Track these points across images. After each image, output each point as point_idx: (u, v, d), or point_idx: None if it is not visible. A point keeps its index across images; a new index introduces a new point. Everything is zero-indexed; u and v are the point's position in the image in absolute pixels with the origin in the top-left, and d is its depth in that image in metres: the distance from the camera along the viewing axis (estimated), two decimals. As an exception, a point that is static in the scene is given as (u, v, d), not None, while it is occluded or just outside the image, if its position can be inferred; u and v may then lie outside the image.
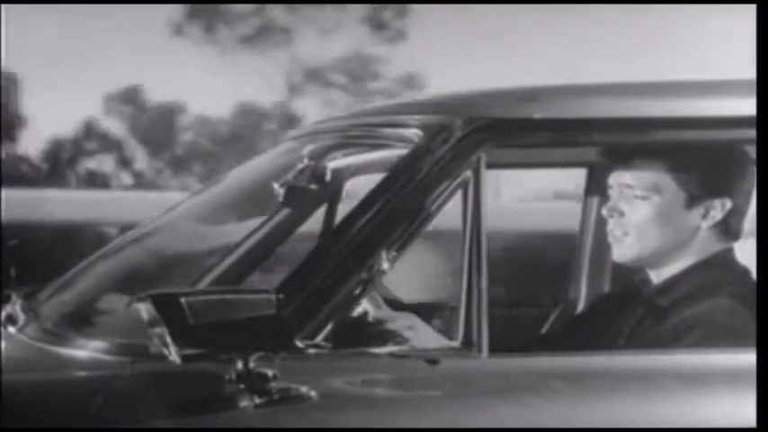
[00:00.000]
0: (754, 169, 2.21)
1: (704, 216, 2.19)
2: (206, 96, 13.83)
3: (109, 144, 14.61)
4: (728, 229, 2.21)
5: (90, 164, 14.44)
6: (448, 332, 2.13)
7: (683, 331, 2.09)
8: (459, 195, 1.99)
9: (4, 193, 6.26)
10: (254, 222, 2.64)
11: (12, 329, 2.17)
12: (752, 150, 2.14)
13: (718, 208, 2.19)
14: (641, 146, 2.18)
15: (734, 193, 2.20)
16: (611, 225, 2.23)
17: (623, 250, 2.22)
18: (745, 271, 2.20)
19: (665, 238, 2.19)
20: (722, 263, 2.20)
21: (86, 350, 1.97)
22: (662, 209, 2.18)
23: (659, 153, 2.18)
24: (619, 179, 2.22)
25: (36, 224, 6.73)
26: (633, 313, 2.24)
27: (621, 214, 2.21)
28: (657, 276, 2.25)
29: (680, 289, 2.18)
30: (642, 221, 2.19)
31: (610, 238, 2.25)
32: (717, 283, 2.16)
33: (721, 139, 2.15)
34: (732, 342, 2.03)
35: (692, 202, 2.19)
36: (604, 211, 2.26)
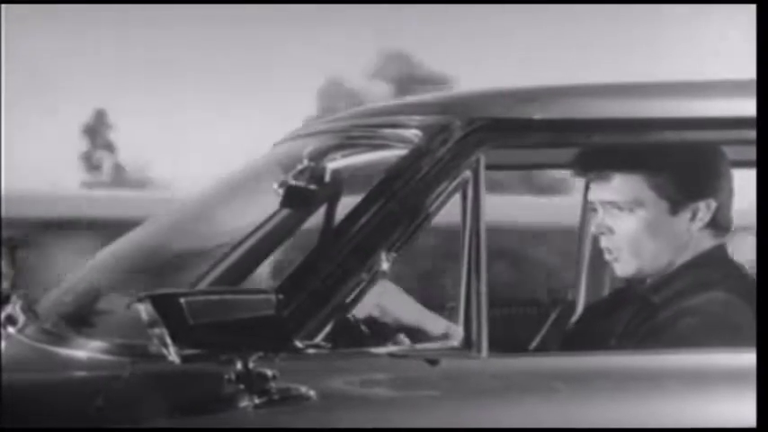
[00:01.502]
0: (730, 166, 2.21)
1: (692, 219, 2.19)
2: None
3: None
4: (718, 225, 2.21)
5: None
6: (448, 332, 2.14)
7: (676, 320, 2.09)
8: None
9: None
10: (254, 223, 2.64)
11: (12, 330, 2.17)
12: (750, 150, 2.14)
13: (704, 209, 2.19)
14: (611, 156, 2.18)
15: (716, 192, 2.20)
16: (604, 243, 2.23)
17: (623, 267, 2.22)
18: (738, 266, 2.21)
19: (660, 247, 2.19)
20: (715, 259, 2.21)
21: (86, 350, 1.97)
22: (648, 220, 2.18)
23: (631, 163, 2.18)
24: (599, 196, 2.22)
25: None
26: (627, 311, 2.24)
27: (611, 231, 2.21)
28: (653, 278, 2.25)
29: (673, 286, 2.18)
30: (632, 236, 2.19)
31: (606, 256, 2.25)
32: (710, 278, 2.16)
33: (722, 140, 2.15)
34: (729, 334, 2.03)
35: (675, 208, 2.18)
36: (594, 230, 2.26)
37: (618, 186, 2.19)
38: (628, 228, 2.19)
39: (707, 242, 2.21)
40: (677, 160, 2.18)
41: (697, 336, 2.04)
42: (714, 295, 2.12)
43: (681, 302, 2.13)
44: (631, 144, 2.14)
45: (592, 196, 2.25)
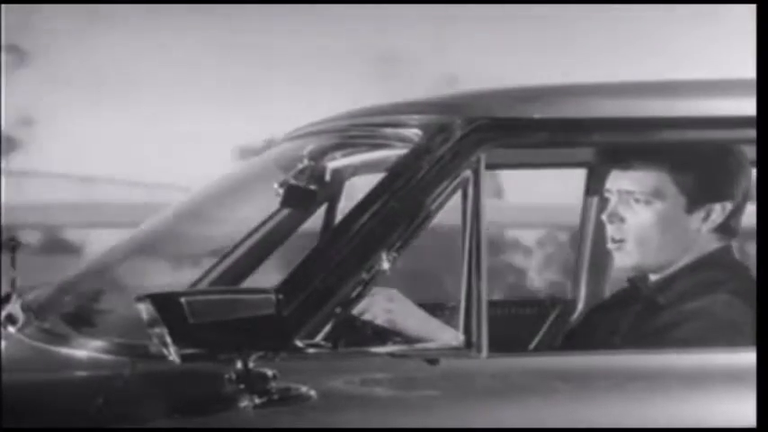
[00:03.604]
0: (751, 169, 2.21)
1: (705, 219, 2.18)
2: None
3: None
4: (728, 228, 2.20)
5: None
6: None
7: (680, 323, 2.09)
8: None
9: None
10: (254, 222, 2.64)
11: (12, 329, 2.17)
12: (750, 150, 2.14)
13: (719, 211, 2.18)
14: (641, 148, 2.17)
15: (734, 195, 2.19)
16: (611, 231, 2.22)
17: (625, 257, 2.21)
18: (744, 268, 2.20)
19: (666, 242, 2.19)
20: (720, 260, 2.20)
21: (86, 350, 1.97)
22: (663, 214, 2.17)
23: (659, 156, 2.17)
24: (618, 184, 2.21)
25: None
26: (631, 311, 2.24)
27: (622, 220, 2.20)
28: (657, 277, 2.24)
29: (678, 286, 2.18)
30: (643, 227, 2.18)
31: (609, 245, 2.24)
32: (715, 280, 2.16)
33: (721, 140, 2.15)
34: (730, 336, 2.03)
35: (692, 206, 2.18)
36: (604, 217, 2.25)
37: (641, 176, 2.18)
38: (640, 219, 2.18)
39: (713, 244, 2.20)
40: (705, 158, 2.17)
41: (701, 339, 2.04)
42: (719, 297, 2.12)
43: (685, 304, 2.13)
44: (630, 144, 2.14)
45: (609, 184, 2.24)
